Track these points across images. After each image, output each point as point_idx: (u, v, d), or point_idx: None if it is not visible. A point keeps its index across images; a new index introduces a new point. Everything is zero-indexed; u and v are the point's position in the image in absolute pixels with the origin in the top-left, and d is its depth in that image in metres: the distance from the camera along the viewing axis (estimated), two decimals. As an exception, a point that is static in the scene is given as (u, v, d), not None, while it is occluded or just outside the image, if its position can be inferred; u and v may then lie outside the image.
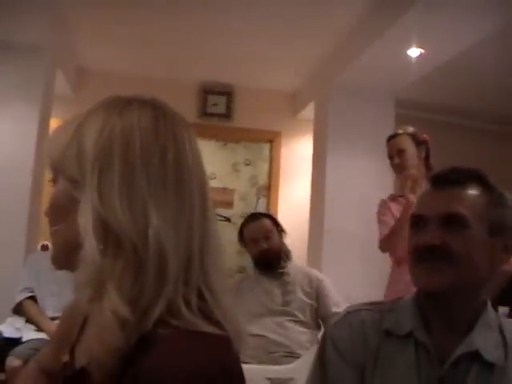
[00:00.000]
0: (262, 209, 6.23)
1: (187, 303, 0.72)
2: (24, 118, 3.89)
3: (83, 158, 0.75)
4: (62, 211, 0.78)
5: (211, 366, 0.67)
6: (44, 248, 3.86)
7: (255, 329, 2.92)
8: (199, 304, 0.73)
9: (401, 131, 3.06)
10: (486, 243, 1.18)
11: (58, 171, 0.80)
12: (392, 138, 3.07)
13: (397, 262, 2.92)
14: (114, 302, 0.68)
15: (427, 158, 3.01)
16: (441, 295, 1.18)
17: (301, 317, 2.98)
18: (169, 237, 0.72)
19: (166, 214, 0.73)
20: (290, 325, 2.96)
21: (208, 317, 0.72)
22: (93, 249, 0.70)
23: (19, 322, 3.36)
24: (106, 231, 0.71)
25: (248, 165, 7.36)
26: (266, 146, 5.87)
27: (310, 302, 3.02)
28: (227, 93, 5.33)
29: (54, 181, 0.81)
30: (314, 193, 4.72)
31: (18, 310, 3.43)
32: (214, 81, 5.28)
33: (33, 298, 3.44)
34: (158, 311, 0.69)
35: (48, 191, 4.10)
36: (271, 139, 5.53)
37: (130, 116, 0.77)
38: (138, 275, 0.70)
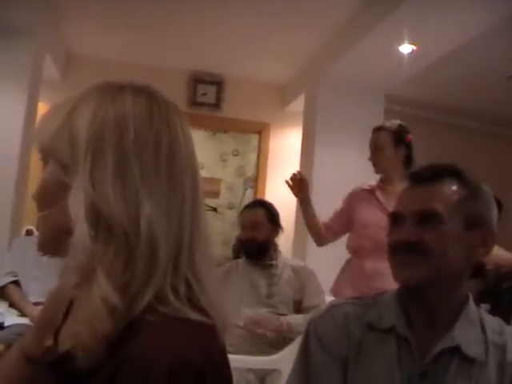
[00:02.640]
0: (248, 200, 6.24)
1: (175, 291, 0.72)
2: (11, 102, 3.86)
3: (76, 142, 0.74)
4: (51, 196, 0.77)
5: (197, 353, 0.67)
6: (29, 233, 3.84)
7: (238, 320, 2.92)
8: (186, 292, 0.73)
9: (386, 125, 2.96)
10: (462, 237, 1.19)
11: (48, 155, 0.79)
12: (375, 130, 2.99)
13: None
14: (103, 289, 0.68)
15: (409, 158, 2.92)
16: (419, 289, 1.20)
17: (283, 310, 2.98)
18: (160, 224, 0.72)
19: (159, 202, 0.73)
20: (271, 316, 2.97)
21: (195, 305, 0.73)
22: (84, 235, 0.70)
23: (2, 306, 3.34)
24: (98, 217, 0.71)
25: (236, 155, 7.37)
26: (255, 137, 5.87)
27: (294, 295, 3.02)
28: (217, 82, 5.32)
29: (44, 164, 0.80)
30: (301, 185, 4.72)
31: (1, 295, 3.41)
32: (204, 70, 5.26)
33: (16, 283, 3.42)
34: (146, 298, 0.69)
35: (34, 176, 4.07)
36: (260, 130, 5.52)
37: (123, 102, 0.77)
38: (129, 262, 0.70)
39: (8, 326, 3.16)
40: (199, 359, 0.66)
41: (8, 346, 2.80)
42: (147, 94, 0.80)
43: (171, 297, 0.71)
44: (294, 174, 3.03)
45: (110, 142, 0.74)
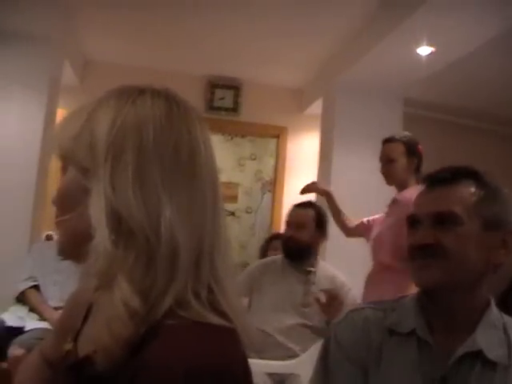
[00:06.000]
0: (266, 204, 6.23)
1: (196, 295, 0.71)
2: (31, 108, 3.90)
3: (96, 147, 0.74)
4: (71, 200, 0.77)
5: (216, 358, 0.66)
6: (48, 238, 3.87)
7: (267, 326, 2.82)
8: (208, 296, 0.72)
9: (397, 137, 2.94)
10: (480, 239, 1.18)
11: (67, 160, 0.79)
12: (386, 142, 2.97)
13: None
14: (125, 293, 0.67)
15: (418, 168, 2.93)
16: (438, 292, 1.19)
17: (316, 322, 2.87)
18: (181, 229, 0.72)
19: (179, 205, 0.72)
20: (302, 330, 2.86)
21: (216, 308, 0.72)
22: (105, 239, 0.69)
23: (22, 310, 3.37)
24: (119, 222, 0.70)
25: (253, 159, 7.34)
26: (273, 141, 5.86)
27: None
28: (235, 87, 5.32)
29: (63, 169, 0.80)
30: (319, 189, 4.70)
31: (21, 299, 3.44)
32: (221, 75, 5.27)
33: (36, 287, 3.45)
34: (167, 302, 0.69)
35: (53, 181, 4.11)
36: (277, 134, 5.51)
37: (143, 105, 0.76)
38: (150, 267, 0.69)
39: (29, 331, 3.18)
40: (218, 365, 0.66)
41: (28, 350, 2.82)
42: (166, 97, 0.79)
43: (193, 301, 0.70)
44: None
45: (130, 145, 0.73)
